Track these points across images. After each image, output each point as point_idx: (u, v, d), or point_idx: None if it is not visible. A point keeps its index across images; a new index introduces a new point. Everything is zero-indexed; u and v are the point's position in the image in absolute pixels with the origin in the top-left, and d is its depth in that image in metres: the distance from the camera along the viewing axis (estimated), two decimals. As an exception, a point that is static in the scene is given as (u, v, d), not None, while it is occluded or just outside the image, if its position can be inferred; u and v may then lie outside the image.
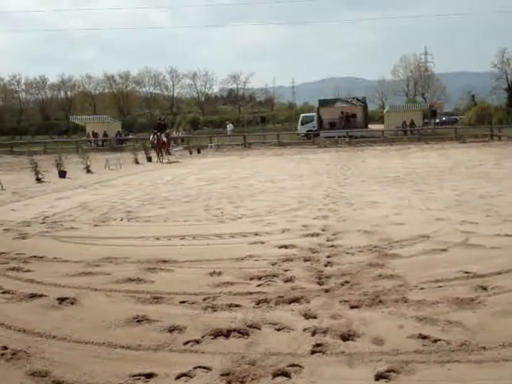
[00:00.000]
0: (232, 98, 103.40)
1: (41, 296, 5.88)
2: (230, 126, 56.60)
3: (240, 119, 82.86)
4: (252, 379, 3.77)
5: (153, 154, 33.55)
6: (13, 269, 7.15)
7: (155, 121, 37.77)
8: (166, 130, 33.83)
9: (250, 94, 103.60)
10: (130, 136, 59.34)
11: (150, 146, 32.63)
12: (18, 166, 28.79)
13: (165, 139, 31.66)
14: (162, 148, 31.25)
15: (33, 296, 5.89)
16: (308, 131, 52.52)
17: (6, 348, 4.43)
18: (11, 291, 6.10)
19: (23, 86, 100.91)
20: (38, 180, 20.77)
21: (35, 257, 7.81)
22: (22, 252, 8.14)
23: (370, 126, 57.66)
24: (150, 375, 3.87)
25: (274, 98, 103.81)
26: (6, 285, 6.36)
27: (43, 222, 10.87)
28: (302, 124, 55.55)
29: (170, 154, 33.09)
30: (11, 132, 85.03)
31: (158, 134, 31.16)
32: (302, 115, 58.78)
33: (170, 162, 30.50)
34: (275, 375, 3.82)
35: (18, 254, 8.00)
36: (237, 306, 5.26)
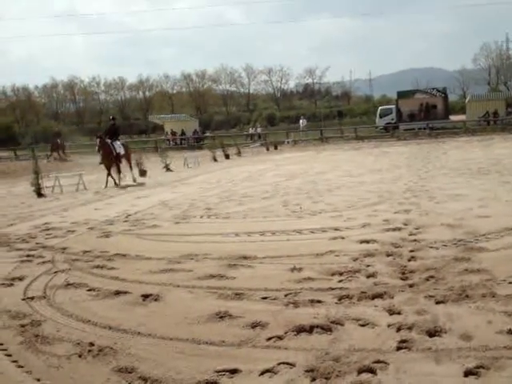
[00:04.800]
0: (308, 92, 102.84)
1: (125, 293, 6.00)
2: (303, 122, 56.30)
3: (316, 114, 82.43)
4: (337, 376, 3.72)
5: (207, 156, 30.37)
6: (97, 266, 7.33)
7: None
8: (119, 135, 21.81)
9: (326, 88, 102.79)
10: (208, 134, 59.92)
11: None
12: (100, 166, 29.44)
13: (121, 151, 20.58)
14: (114, 162, 20.24)
15: (117, 293, 6.01)
16: (387, 124, 51.63)
17: (92, 344, 4.53)
18: (96, 288, 6.25)
19: (103, 87, 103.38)
20: (120, 179, 21.21)
21: (119, 254, 7.98)
22: (106, 250, 8.34)
23: (451, 117, 56.22)
24: (234, 371, 3.87)
25: (351, 91, 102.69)
26: (91, 282, 6.53)
27: (125, 221, 11.10)
28: (381, 117, 54.62)
29: (131, 169, 21.48)
30: (92, 132, 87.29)
31: (109, 140, 20.36)
32: (380, 108, 57.80)
33: (127, 186, 19.27)
34: (360, 372, 3.76)
35: (102, 252, 8.20)
36: (319, 301, 5.20)
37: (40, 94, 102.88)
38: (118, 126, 22.21)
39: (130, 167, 21.56)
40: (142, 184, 19.75)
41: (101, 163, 20.41)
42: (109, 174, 19.98)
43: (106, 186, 19.45)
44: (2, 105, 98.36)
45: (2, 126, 76.49)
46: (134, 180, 20.66)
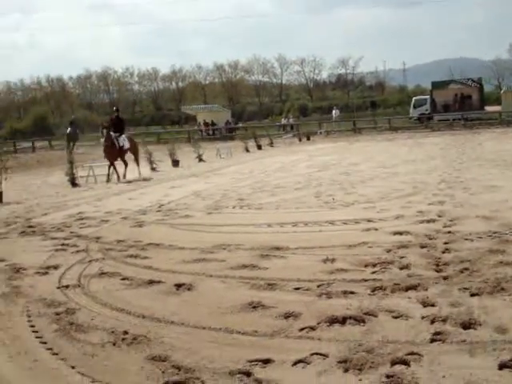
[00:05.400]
0: (341, 83, 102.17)
1: (158, 282, 6.03)
2: (335, 112, 55.98)
3: (349, 104, 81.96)
4: (370, 367, 3.69)
5: (242, 145, 29.76)
6: (131, 256, 7.39)
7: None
8: (124, 128, 20.46)
9: (359, 79, 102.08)
10: (240, 124, 59.96)
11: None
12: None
13: (126, 144, 19.67)
14: (119, 157, 19.43)
15: (151, 282, 6.05)
16: (421, 114, 51.02)
17: (126, 333, 4.57)
18: (130, 278, 6.30)
19: (136, 78, 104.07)
20: (153, 169, 21.39)
21: (152, 244, 8.03)
22: (139, 239, 8.40)
23: (487, 108, 55.39)
24: (266, 361, 3.87)
25: (385, 81, 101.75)
26: (125, 271, 6.58)
27: (158, 210, 11.18)
28: (415, 107, 53.99)
29: (138, 164, 20.37)
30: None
31: (113, 134, 19.27)
32: (414, 98, 57.14)
33: (131, 181, 18.40)
34: (394, 363, 3.72)
35: (135, 242, 8.26)
36: (352, 293, 5.18)
37: (74, 84, 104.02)
38: (122, 118, 21.01)
39: (137, 161, 20.41)
40: (149, 179, 18.58)
41: (105, 157, 19.63)
42: (110, 168, 19.05)
43: (108, 180, 18.72)
44: (37, 95, 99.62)
45: (37, 117, 77.47)
46: (140, 175, 19.49)
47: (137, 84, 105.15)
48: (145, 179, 18.69)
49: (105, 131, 19.14)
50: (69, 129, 35.43)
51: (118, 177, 18.94)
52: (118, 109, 21.22)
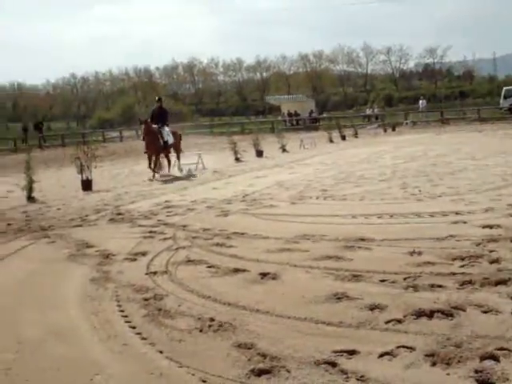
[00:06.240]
0: (428, 72, 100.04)
1: (243, 271, 6.10)
2: (422, 102, 54.84)
3: (436, 94, 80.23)
4: (458, 361, 3.62)
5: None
6: (216, 244, 7.49)
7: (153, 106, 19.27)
8: (167, 120, 18.22)
9: (447, 68, 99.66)
10: (324, 115, 59.65)
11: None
12: (218, 146, 30.02)
13: (170, 139, 17.69)
14: (162, 153, 17.77)
15: (236, 271, 6.12)
16: (511, 105, 49.41)
17: (213, 320, 4.64)
18: (216, 266, 6.39)
19: (221, 69, 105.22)
20: (237, 159, 21.58)
21: (237, 233, 8.11)
22: (224, 228, 8.50)
23: None
24: (352, 352, 3.85)
25: (473, 71, 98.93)
26: (211, 259, 6.68)
27: (243, 200, 11.27)
28: (505, 98, 52.18)
29: (178, 159, 18.79)
30: (210, 113, 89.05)
31: (156, 125, 17.48)
32: (504, 88, 55.22)
33: (170, 178, 17.14)
34: (483, 358, 3.64)
35: (220, 231, 8.36)
36: (439, 286, 5.08)
37: (161, 75, 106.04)
38: (165, 109, 18.84)
39: (178, 157, 18.74)
40: (192, 176, 17.06)
41: (145, 152, 17.52)
42: (150, 165, 17.10)
43: (153, 178, 16.71)
44: (124, 86, 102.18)
45: (124, 107, 79.47)
46: (181, 171, 18.12)
47: (222, 74, 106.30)
48: (187, 175, 17.37)
49: (143, 127, 17.57)
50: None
51: (154, 175, 16.90)
52: (160, 98, 19.22)
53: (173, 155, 18.72)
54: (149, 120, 17.51)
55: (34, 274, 6.64)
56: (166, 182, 16.13)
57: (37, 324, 4.90)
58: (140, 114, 37.98)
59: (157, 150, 17.22)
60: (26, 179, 13.81)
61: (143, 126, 17.36)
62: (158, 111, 17.97)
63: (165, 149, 17.60)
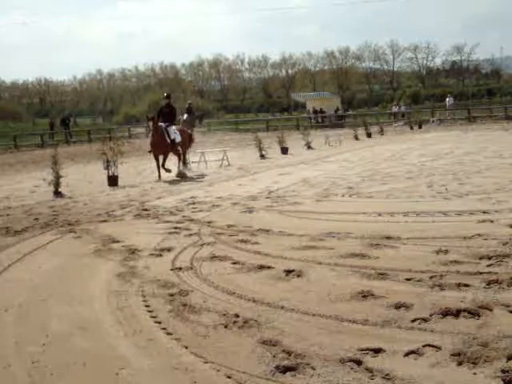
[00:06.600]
0: (455, 70, 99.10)
1: (268, 267, 6.10)
2: (449, 100, 54.37)
3: (464, 92, 79.51)
4: (485, 361, 3.59)
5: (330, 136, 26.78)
6: (241, 241, 7.50)
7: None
8: (175, 118, 17.80)
9: (474, 66, 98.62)
10: (350, 112, 59.41)
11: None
12: (243, 142, 30.05)
13: (177, 137, 16.94)
14: (169, 152, 16.73)
15: (261, 267, 6.12)
16: (539, 103, 48.81)
17: (237, 316, 4.65)
18: (241, 262, 6.40)
19: (247, 66, 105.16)
20: (262, 156, 21.58)
21: (262, 230, 8.12)
22: (249, 225, 8.51)
23: None
24: (378, 350, 3.83)
25: (501, 68, 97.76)
26: (235, 256, 6.69)
27: (268, 197, 11.27)
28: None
29: (185, 163, 17.99)
30: (235, 110, 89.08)
31: (163, 125, 16.58)
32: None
33: (180, 176, 16.29)
34: (510, 358, 3.60)
35: (245, 227, 8.37)
36: (466, 285, 5.03)
37: (187, 71, 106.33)
38: (173, 106, 17.85)
39: (184, 157, 17.85)
40: (197, 179, 15.91)
41: (150, 151, 16.72)
42: (159, 165, 16.34)
43: (159, 177, 16.09)
44: (150, 82, 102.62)
45: (150, 103, 79.78)
46: (180, 175, 16.47)
47: (247, 71, 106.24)
48: (183, 176, 16.31)
49: (150, 124, 16.44)
50: (185, 115, 35.05)
51: (161, 171, 16.29)
52: (169, 95, 18.18)
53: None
54: (156, 117, 16.63)
55: (60, 269, 6.70)
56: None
57: (63, 318, 4.95)
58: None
59: (164, 149, 16.43)
60: (53, 174, 13.96)
61: (151, 123, 16.39)
62: (165, 109, 17.17)
63: (172, 147, 16.74)
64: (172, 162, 17.45)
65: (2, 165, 26.13)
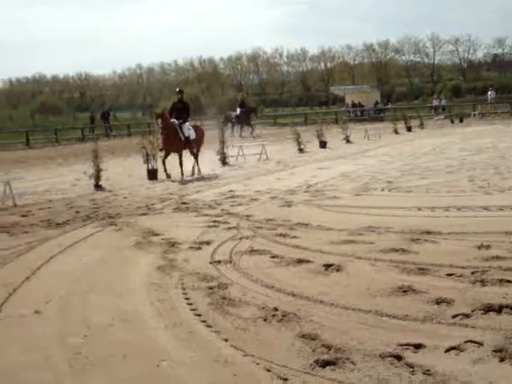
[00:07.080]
0: (497, 63, 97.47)
1: (307, 261, 6.09)
2: (491, 94, 53.49)
3: (506, 85, 78.09)
4: (527, 358, 3.54)
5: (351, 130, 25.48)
6: (280, 235, 7.51)
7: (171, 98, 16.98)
8: (189, 114, 16.41)
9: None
10: (389, 106, 58.86)
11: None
12: (282, 136, 29.98)
13: (191, 134, 15.93)
14: (183, 149, 15.63)
15: (300, 261, 6.12)
16: None
17: (276, 309, 4.66)
18: (279, 256, 6.40)
19: (285, 59, 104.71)
20: (300, 150, 21.51)
21: (300, 224, 8.12)
22: (287, 219, 8.51)
23: None
24: (418, 346, 3.80)
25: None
26: (274, 249, 6.70)
27: (306, 191, 11.26)
28: None
29: (197, 162, 16.06)
30: (274, 104, 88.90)
31: (176, 121, 15.67)
32: None
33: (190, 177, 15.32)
34: (552, 355, 3.55)
35: (284, 221, 8.38)
36: (508, 281, 4.97)
37: (225, 65, 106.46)
38: (186, 102, 16.99)
39: (197, 155, 16.20)
40: (211, 178, 15.00)
41: (161, 149, 15.58)
42: (165, 164, 15.25)
43: (168, 176, 15.11)
44: (189, 76, 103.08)
45: (189, 97, 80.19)
46: (194, 172, 15.79)
47: (285, 65, 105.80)
48: (203, 176, 15.41)
49: (159, 121, 15.48)
50: (238, 109, 34.06)
51: (167, 174, 15.19)
52: (181, 91, 17.07)
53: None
54: (167, 114, 15.84)
55: (101, 261, 6.79)
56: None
57: (104, 309, 5.02)
58: (205, 105, 36.59)
59: (178, 146, 15.46)
60: (94, 168, 14.11)
61: (159, 120, 15.47)
62: (177, 105, 16.25)
63: (187, 144, 15.77)
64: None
65: (43, 158, 26.50)
